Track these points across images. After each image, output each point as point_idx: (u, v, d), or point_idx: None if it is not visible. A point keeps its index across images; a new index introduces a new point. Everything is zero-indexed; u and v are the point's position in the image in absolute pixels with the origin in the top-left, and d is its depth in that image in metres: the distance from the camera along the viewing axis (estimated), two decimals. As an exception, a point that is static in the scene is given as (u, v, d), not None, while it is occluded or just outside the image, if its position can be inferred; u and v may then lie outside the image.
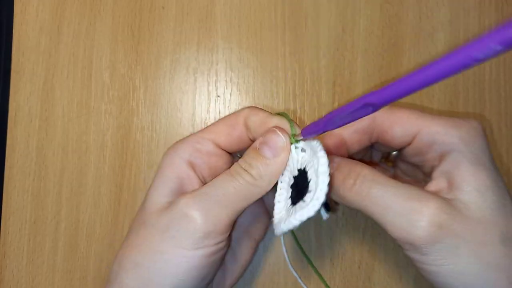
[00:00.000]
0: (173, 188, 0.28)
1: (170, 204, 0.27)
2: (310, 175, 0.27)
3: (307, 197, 0.26)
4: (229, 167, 0.29)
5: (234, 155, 0.32)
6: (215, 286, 0.31)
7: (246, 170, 0.27)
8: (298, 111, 0.39)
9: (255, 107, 0.30)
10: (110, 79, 0.39)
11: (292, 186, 0.28)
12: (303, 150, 0.28)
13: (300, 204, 0.27)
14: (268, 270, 0.38)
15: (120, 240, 0.38)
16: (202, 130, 0.30)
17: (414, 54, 0.40)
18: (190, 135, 0.30)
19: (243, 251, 0.33)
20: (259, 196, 0.27)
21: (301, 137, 0.28)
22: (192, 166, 0.29)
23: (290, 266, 0.37)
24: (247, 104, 0.39)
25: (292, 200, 0.28)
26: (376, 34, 0.40)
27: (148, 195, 0.29)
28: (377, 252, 0.38)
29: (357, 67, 0.39)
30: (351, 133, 0.30)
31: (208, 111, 0.39)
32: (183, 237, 0.26)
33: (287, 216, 0.27)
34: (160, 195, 0.28)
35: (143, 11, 0.39)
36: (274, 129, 0.28)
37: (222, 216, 0.26)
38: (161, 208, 0.27)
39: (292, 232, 0.36)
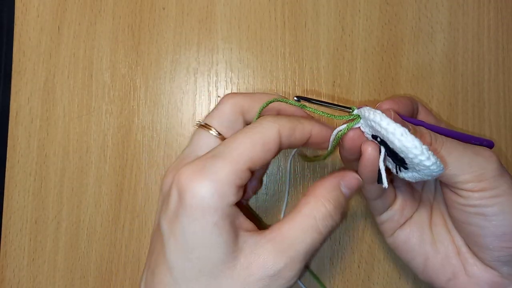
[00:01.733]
0: (232, 240, 0.25)
1: (259, 267, 0.25)
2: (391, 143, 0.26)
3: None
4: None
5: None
6: None
7: (335, 221, 0.27)
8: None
9: (279, 116, 0.28)
10: (111, 79, 0.39)
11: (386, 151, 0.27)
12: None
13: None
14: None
15: (120, 239, 0.38)
16: (241, 155, 0.25)
17: (413, 55, 0.40)
18: (227, 161, 0.25)
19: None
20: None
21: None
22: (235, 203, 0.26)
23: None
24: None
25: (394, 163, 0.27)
26: (376, 34, 0.40)
27: (205, 253, 0.25)
28: (376, 252, 0.38)
29: (356, 67, 0.39)
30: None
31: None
32: None
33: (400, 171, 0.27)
34: (225, 252, 0.25)
35: (143, 11, 0.39)
36: (357, 176, 0.29)
37: (302, 265, 0.26)
38: (234, 268, 0.25)
39: None
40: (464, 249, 0.31)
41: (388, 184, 0.27)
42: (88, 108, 0.39)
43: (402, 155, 0.25)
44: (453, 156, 0.28)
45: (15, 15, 0.39)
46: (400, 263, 0.38)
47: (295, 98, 0.28)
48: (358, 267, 0.38)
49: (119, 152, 0.38)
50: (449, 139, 0.29)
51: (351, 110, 0.28)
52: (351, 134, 0.28)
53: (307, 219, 0.26)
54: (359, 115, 0.27)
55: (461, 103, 0.40)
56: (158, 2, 0.39)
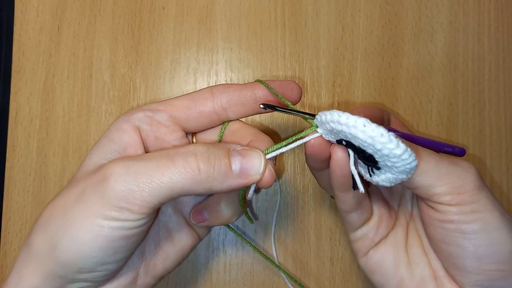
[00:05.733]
0: (114, 150, 0.26)
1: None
2: (364, 146, 0.24)
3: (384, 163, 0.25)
4: (181, 138, 0.28)
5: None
6: (145, 264, 0.29)
7: (196, 159, 0.24)
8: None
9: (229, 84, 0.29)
10: (111, 79, 0.39)
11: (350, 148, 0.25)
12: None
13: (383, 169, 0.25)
14: (268, 270, 0.38)
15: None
16: (161, 102, 0.29)
17: (413, 54, 0.40)
18: (148, 104, 0.29)
19: (182, 238, 0.30)
20: (197, 194, 0.25)
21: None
22: (139, 131, 0.27)
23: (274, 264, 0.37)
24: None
25: (364, 162, 0.25)
26: (376, 34, 0.40)
27: (87, 155, 0.27)
28: (376, 252, 0.38)
29: (356, 67, 0.39)
30: None
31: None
32: (95, 204, 0.23)
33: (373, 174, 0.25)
34: (99, 156, 0.26)
35: (143, 11, 0.39)
36: (259, 153, 0.26)
37: (144, 194, 0.23)
38: (92, 170, 0.26)
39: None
40: (441, 272, 0.29)
41: (364, 189, 0.25)
42: (88, 108, 0.39)
43: (370, 151, 0.23)
44: (429, 164, 0.26)
45: (15, 15, 0.39)
46: (401, 263, 0.38)
47: (261, 106, 0.27)
48: (359, 267, 0.38)
49: (119, 152, 0.38)
50: (424, 148, 0.27)
51: (314, 118, 0.26)
52: (311, 141, 0.26)
53: (167, 150, 0.26)
54: (316, 125, 0.26)
55: (462, 103, 0.40)
56: (158, 2, 0.39)
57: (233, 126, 0.30)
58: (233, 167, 0.25)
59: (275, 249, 0.38)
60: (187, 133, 0.29)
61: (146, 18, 0.39)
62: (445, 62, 0.40)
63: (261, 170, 0.26)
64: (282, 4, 0.40)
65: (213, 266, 0.38)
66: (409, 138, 0.28)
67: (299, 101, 0.30)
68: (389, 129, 0.27)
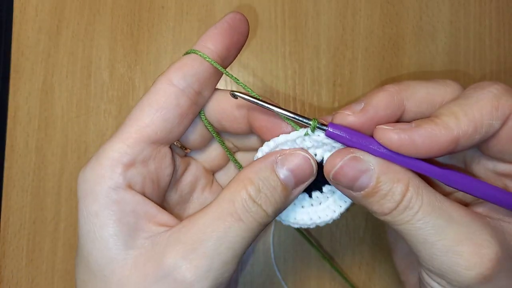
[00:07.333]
0: (125, 233, 0.21)
1: (154, 266, 0.21)
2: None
3: (327, 193, 0.26)
4: (171, 161, 0.24)
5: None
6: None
7: (261, 207, 0.21)
8: (298, 110, 0.39)
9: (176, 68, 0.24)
10: (110, 78, 0.39)
11: None
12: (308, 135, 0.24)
13: (319, 199, 0.26)
14: (268, 270, 0.38)
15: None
16: (127, 128, 0.22)
17: (414, 54, 0.40)
18: (114, 139, 0.22)
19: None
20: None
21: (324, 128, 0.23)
22: (132, 187, 0.22)
23: (275, 266, 0.37)
24: (247, 104, 0.39)
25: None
26: (377, 33, 0.40)
27: (92, 250, 0.21)
28: (377, 253, 0.38)
29: (357, 66, 0.39)
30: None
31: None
32: None
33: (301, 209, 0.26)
34: (114, 248, 0.21)
35: (142, 10, 0.39)
36: (306, 155, 0.23)
37: (230, 272, 0.21)
38: (125, 268, 0.21)
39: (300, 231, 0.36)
40: None
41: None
42: (87, 108, 0.38)
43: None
44: (419, 237, 0.21)
45: (14, 14, 0.39)
46: (401, 264, 0.38)
47: (232, 94, 0.26)
48: (359, 268, 0.38)
49: (118, 152, 0.38)
50: (428, 201, 0.21)
51: (310, 123, 0.23)
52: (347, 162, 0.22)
53: (223, 204, 0.22)
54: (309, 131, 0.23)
55: (463, 103, 0.40)
56: (157, 1, 0.39)
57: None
58: (289, 185, 0.23)
59: (273, 249, 0.38)
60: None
61: (145, 17, 0.39)
62: (446, 61, 0.40)
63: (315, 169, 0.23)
64: (282, 4, 0.39)
65: (213, 267, 0.38)
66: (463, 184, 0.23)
67: (248, 33, 0.27)
68: (418, 166, 0.22)
